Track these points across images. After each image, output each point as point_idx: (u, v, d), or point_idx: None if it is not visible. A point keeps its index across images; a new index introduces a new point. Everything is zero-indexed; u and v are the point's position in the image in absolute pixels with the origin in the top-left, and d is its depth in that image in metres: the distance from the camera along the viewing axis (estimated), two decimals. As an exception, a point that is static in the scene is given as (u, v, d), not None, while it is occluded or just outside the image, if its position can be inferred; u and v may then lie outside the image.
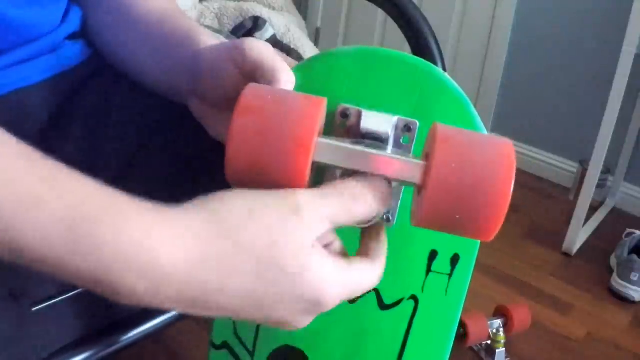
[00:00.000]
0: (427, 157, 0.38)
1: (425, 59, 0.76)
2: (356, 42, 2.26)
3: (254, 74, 0.44)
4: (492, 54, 2.09)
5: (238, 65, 0.45)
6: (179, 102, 0.52)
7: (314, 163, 0.38)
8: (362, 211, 0.37)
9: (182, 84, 0.50)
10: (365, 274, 0.38)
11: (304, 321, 0.37)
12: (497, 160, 0.36)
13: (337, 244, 0.39)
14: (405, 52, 0.76)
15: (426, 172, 0.37)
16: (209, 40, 0.49)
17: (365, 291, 0.38)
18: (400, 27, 0.80)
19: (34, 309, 0.59)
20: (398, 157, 0.38)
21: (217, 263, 0.32)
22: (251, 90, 0.38)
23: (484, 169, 0.36)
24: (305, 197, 0.35)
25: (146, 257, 0.31)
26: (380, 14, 2.21)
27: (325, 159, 0.38)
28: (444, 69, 0.73)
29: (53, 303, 0.62)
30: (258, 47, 0.44)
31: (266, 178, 0.36)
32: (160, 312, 0.75)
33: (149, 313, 0.75)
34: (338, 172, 0.40)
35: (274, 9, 1.48)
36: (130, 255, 0.30)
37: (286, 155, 0.36)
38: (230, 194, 0.35)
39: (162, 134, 0.58)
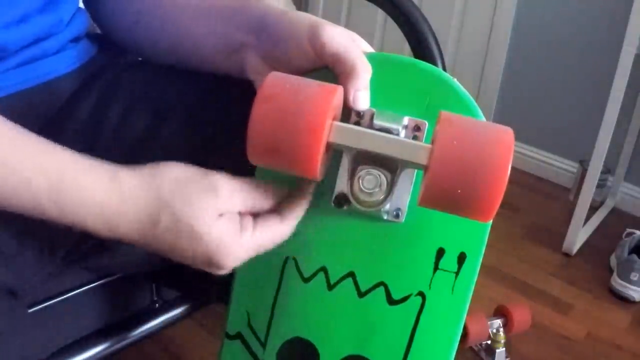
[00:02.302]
0: (433, 142, 0.41)
1: (425, 59, 0.77)
2: (356, 42, 2.25)
3: (332, 61, 0.46)
4: (492, 54, 2.09)
5: (315, 49, 0.47)
6: (232, 68, 0.54)
7: (330, 144, 0.42)
8: (261, 205, 0.46)
9: (244, 45, 0.52)
10: (271, 231, 0.45)
11: (215, 270, 0.45)
12: (496, 139, 0.40)
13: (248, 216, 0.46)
14: (405, 52, 0.76)
15: (431, 152, 0.40)
16: (273, 3, 0.53)
17: (273, 245, 0.46)
18: (400, 27, 0.80)
19: (30, 310, 0.59)
20: (407, 140, 0.43)
21: (145, 213, 0.43)
22: (271, 79, 0.42)
23: (484, 147, 0.39)
24: (223, 179, 0.44)
25: (101, 206, 0.42)
26: (380, 14, 2.21)
27: (340, 140, 0.42)
28: (444, 69, 0.73)
29: (50, 304, 0.62)
30: (337, 40, 0.46)
31: (283, 157, 0.41)
32: (161, 312, 0.75)
33: (148, 313, 0.75)
34: (350, 155, 0.43)
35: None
36: (92, 207, 0.42)
37: (300, 136, 0.40)
38: (171, 165, 0.44)
39: (170, 124, 0.58)
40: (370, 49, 0.50)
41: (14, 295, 0.50)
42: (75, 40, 0.61)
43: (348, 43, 0.46)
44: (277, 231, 0.46)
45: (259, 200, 0.45)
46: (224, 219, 0.43)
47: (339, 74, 0.46)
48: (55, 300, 0.63)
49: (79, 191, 0.42)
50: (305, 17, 0.49)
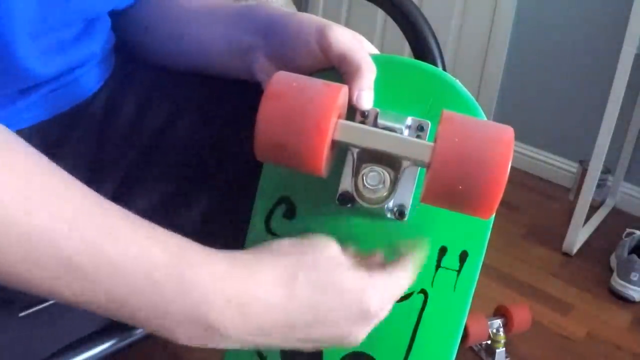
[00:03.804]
0: (435, 140, 0.42)
1: (425, 59, 0.77)
2: (356, 42, 2.25)
3: (338, 61, 0.47)
4: (492, 54, 2.09)
5: (322, 49, 0.47)
6: (240, 70, 0.54)
7: (335, 142, 0.42)
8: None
9: (252, 46, 0.53)
10: (399, 279, 0.43)
11: (362, 332, 0.42)
12: (496, 137, 0.40)
13: (377, 258, 0.46)
14: (405, 52, 0.76)
15: (433, 150, 0.41)
16: (280, 8, 0.53)
17: (401, 293, 0.44)
18: (400, 26, 0.80)
19: (21, 314, 0.59)
20: (410, 138, 0.44)
21: (279, 278, 0.38)
22: (278, 78, 0.43)
23: (485, 145, 0.40)
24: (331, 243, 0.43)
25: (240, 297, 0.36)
26: (380, 14, 2.21)
27: (344, 137, 0.43)
28: (444, 69, 0.73)
29: (50, 304, 0.62)
30: (343, 40, 0.47)
31: (290, 154, 0.41)
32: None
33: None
34: (354, 153, 0.44)
35: (274, 8, 1.48)
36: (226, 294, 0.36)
37: (306, 133, 0.41)
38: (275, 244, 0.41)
39: (179, 125, 0.59)
40: (375, 51, 0.51)
41: (4, 302, 0.50)
42: (103, 60, 0.61)
43: (354, 44, 0.47)
44: (403, 280, 0.44)
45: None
46: (352, 268, 0.41)
47: (344, 74, 0.46)
48: (44, 304, 0.62)
49: (200, 267, 0.36)
50: (311, 18, 0.50)
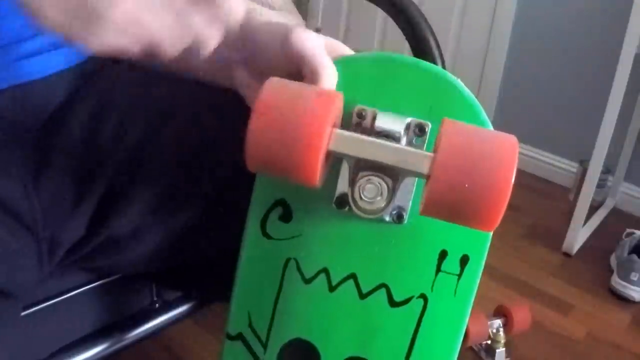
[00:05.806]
0: (435, 150, 0.40)
1: (425, 58, 0.76)
2: (356, 42, 2.26)
3: (298, 66, 0.45)
4: (492, 54, 2.09)
5: (285, 55, 0.46)
6: (221, 79, 0.53)
7: (330, 152, 0.41)
8: None
9: (230, 60, 0.51)
10: None
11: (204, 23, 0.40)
12: (500, 148, 0.39)
13: None
14: (405, 52, 0.75)
15: (433, 161, 0.39)
16: (263, 16, 0.51)
17: None
18: (400, 26, 0.80)
19: (30, 310, 0.59)
20: (408, 148, 0.42)
21: None
22: (270, 86, 0.41)
23: (487, 156, 0.38)
24: None
25: None
26: (380, 14, 2.21)
27: (339, 148, 0.41)
28: (444, 69, 0.73)
29: (50, 304, 0.62)
30: (302, 41, 0.45)
31: (283, 166, 0.40)
32: (161, 312, 0.75)
33: (148, 313, 0.75)
34: (350, 163, 0.43)
35: (273, 8, 1.48)
36: None
37: (300, 145, 0.39)
38: None
39: (170, 125, 0.58)
40: (349, 52, 0.49)
41: (6, 296, 0.50)
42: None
43: (315, 48, 0.45)
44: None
45: None
46: None
47: (304, 78, 0.45)
48: (55, 300, 0.63)
49: None
50: (279, 25, 0.48)
